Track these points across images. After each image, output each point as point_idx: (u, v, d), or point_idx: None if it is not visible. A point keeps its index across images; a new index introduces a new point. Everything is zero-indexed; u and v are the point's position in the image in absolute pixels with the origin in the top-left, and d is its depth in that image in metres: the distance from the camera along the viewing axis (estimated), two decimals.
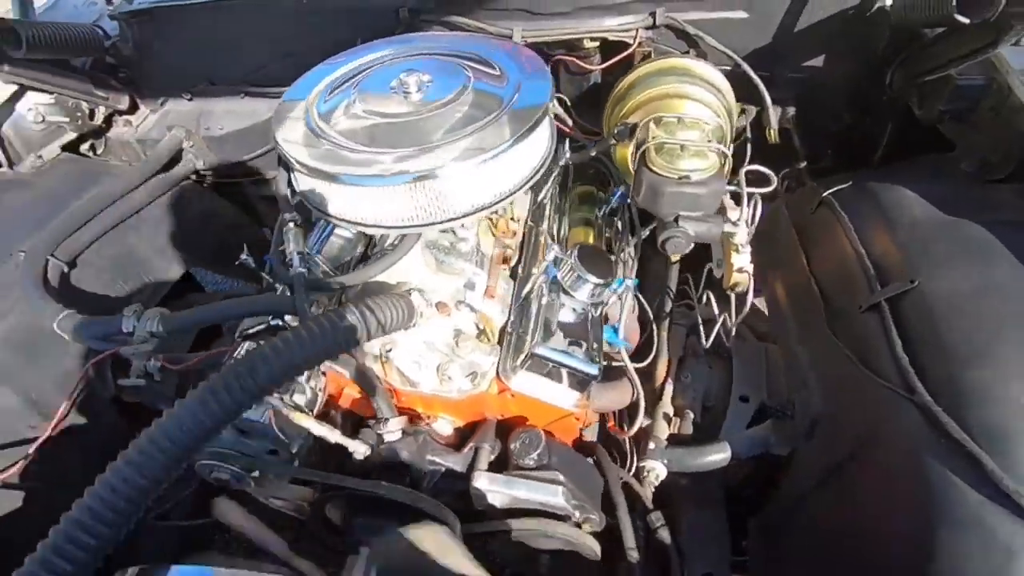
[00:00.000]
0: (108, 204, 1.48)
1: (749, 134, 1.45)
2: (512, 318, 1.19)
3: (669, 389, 1.34)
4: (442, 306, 1.13)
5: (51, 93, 1.56)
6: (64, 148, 1.67)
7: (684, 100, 1.31)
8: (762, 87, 1.40)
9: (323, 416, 1.16)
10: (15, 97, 1.55)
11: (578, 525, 1.18)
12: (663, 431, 1.29)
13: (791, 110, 1.54)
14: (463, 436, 1.25)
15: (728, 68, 1.42)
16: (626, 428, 1.25)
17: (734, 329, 1.30)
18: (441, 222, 1.06)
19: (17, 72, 1.45)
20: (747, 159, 1.30)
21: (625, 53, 1.48)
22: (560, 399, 1.16)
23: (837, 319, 1.11)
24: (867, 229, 1.15)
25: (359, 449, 1.09)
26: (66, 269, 1.33)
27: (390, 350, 1.16)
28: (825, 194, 1.29)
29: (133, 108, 1.80)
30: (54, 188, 1.50)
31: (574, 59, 1.53)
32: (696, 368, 1.40)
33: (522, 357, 1.12)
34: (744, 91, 1.42)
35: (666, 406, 1.33)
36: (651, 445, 1.24)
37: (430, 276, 1.17)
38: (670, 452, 1.21)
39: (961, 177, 1.21)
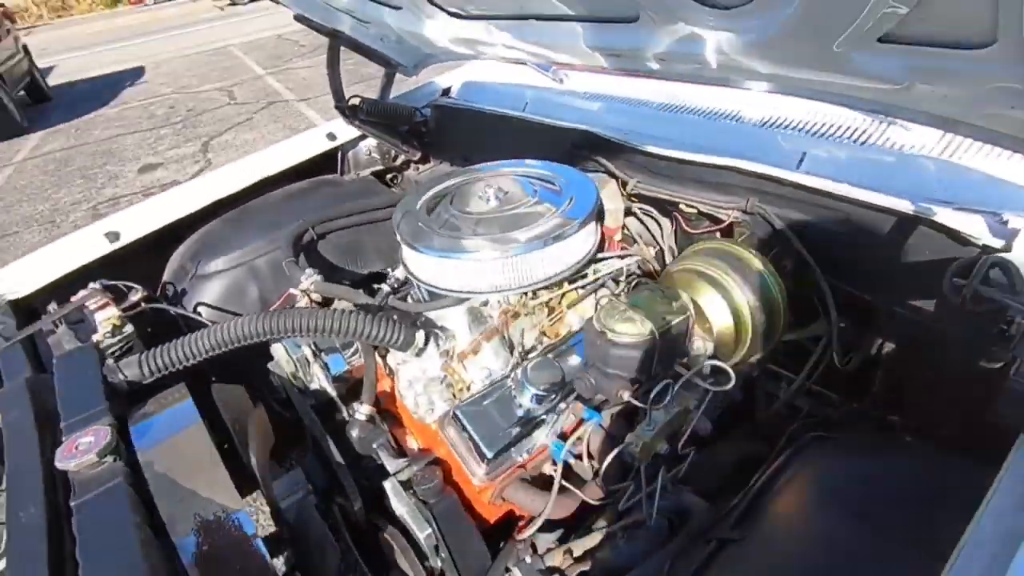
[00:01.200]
0: (365, 209, 2.31)
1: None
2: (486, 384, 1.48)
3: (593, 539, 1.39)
4: (464, 354, 1.50)
5: (378, 139, 2.53)
6: (374, 175, 2.64)
7: (711, 289, 1.37)
8: (830, 302, 1.31)
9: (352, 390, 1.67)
10: (361, 138, 2.56)
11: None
12: (555, 559, 1.36)
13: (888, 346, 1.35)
14: (416, 457, 1.58)
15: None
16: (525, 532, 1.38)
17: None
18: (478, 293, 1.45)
19: (362, 125, 2.43)
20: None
21: (719, 227, 1.56)
22: (468, 463, 1.39)
23: None
24: None
25: (340, 413, 1.56)
26: (315, 239, 2.18)
27: (399, 363, 1.60)
28: None
29: (424, 160, 2.69)
30: (348, 191, 2.44)
31: (682, 218, 1.68)
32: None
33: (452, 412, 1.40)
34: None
35: (578, 546, 1.39)
36: (527, 559, 1.34)
37: (463, 331, 1.56)
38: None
39: None
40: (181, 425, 1.19)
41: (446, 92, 2.70)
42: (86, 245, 2.00)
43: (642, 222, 1.92)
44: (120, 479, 1.06)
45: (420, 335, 1.53)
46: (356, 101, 2.36)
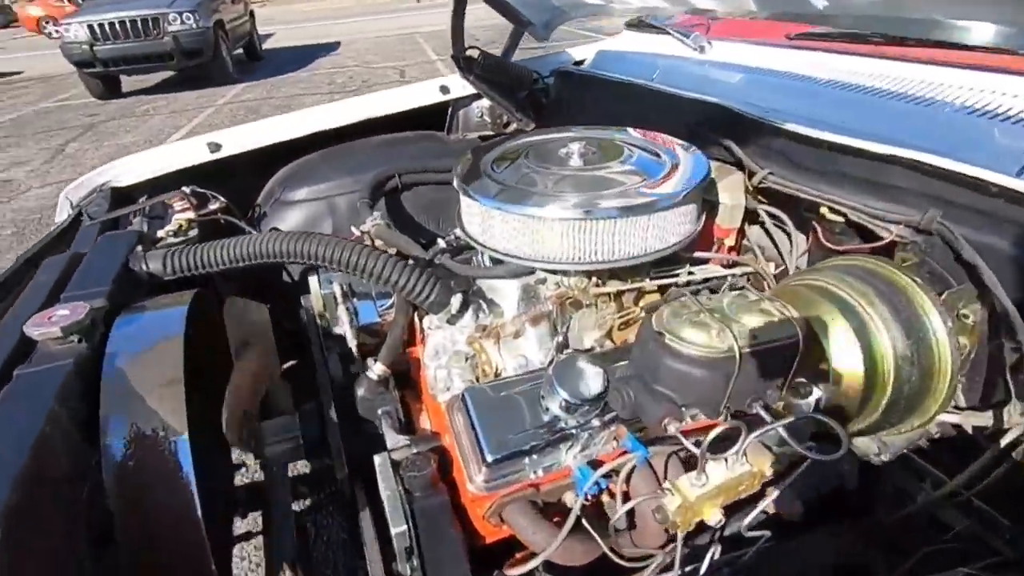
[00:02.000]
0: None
1: None
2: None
3: None
4: (496, 328, 1.26)
5: (491, 101, 2.34)
6: (481, 139, 2.47)
7: (841, 318, 0.96)
8: None
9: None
10: (475, 97, 2.40)
11: None
12: None
13: None
14: (421, 438, 1.34)
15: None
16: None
17: None
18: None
19: (478, 82, 2.26)
20: None
21: (873, 244, 1.14)
22: (467, 463, 1.12)
23: None
24: None
25: (355, 367, 1.38)
26: (400, 188, 2.05)
27: (432, 327, 1.38)
28: None
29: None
30: (448, 149, 2.28)
31: (823, 228, 1.27)
32: None
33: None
34: None
35: None
36: None
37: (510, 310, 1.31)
38: None
39: None
40: (163, 330, 1.07)
41: (578, 64, 2.45)
42: (189, 151, 2.04)
43: (768, 233, 1.52)
44: (71, 362, 0.95)
45: (456, 299, 1.29)
46: (475, 53, 2.20)
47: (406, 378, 1.51)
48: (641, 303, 1.36)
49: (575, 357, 1.07)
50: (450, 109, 2.39)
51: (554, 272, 1.28)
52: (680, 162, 1.27)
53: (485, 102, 2.39)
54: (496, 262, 1.43)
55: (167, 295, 1.19)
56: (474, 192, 1.21)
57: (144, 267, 1.28)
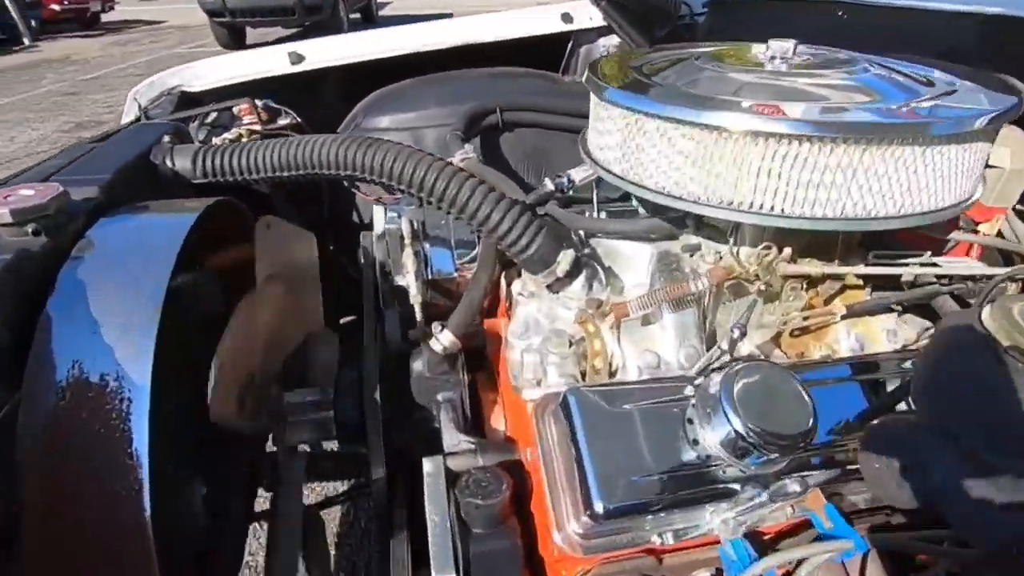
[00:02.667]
0: (572, 114, 1.73)
1: None
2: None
3: None
4: (618, 306, 0.86)
5: (621, 38, 1.90)
6: None
7: None
8: None
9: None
10: (602, 31, 1.97)
11: None
12: None
13: None
14: (491, 444, 0.97)
15: None
16: None
17: None
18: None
19: (610, 11, 1.83)
20: None
21: None
22: (558, 503, 0.73)
23: None
24: None
25: (416, 330, 1.02)
26: (500, 126, 1.68)
27: (523, 294, 0.99)
28: None
29: None
30: (562, 90, 1.88)
31: None
32: None
33: (559, 399, 0.75)
34: None
35: None
36: None
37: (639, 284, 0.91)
38: None
39: None
40: (155, 240, 0.75)
41: None
42: (268, 60, 1.77)
43: None
44: (9, 258, 0.64)
45: (567, 256, 0.90)
46: None
47: (479, 358, 1.14)
48: (840, 301, 0.90)
49: (769, 368, 0.64)
50: (570, 43, 1.98)
51: (736, 227, 0.84)
52: (955, 86, 0.79)
53: (614, 39, 1.95)
54: (620, 215, 1.02)
55: (172, 201, 0.88)
56: (618, 95, 0.79)
57: (169, 163, 0.99)
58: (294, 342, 1.02)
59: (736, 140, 0.68)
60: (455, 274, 1.11)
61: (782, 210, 0.69)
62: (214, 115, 1.59)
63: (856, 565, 0.75)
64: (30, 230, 0.69)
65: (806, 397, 0.64)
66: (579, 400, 0.71)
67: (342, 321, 1.71)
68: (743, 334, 0.75)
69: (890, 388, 0.78)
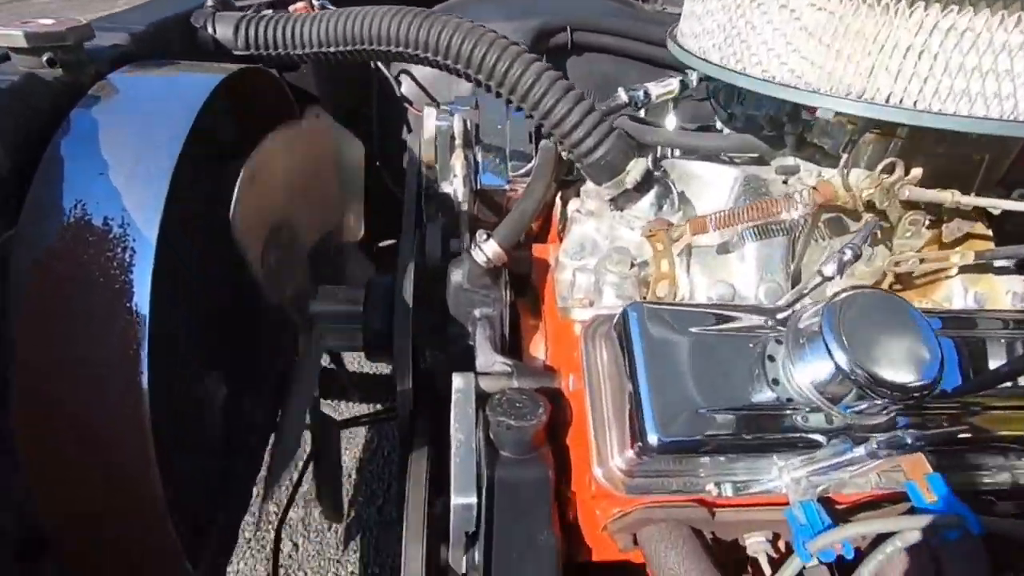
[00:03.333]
0: (651, 41, 1.56)
1: None
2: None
3: None
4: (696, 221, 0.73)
5: None
6: None
7: None
8: None
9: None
10: None
11: None
12: None
13: None
14: (529, 369, 0.87)
15: None
16: None
17: None
18: None
19: None
20: None
21: None
22: (601, 432, 0.64)
23: None
24: None
25: (461, 240, 0.93)
26: (568, 46, 1.53)
27: (580, 212, 0.88)
28: None
29: None
30: (642, 16, 1.70)
31: None
32: None
33: (614, 318, 0.65)
34: None
35: None
36: None
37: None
38: None
39: None
40: (179, 91, 0.67)
41: None
42: None
43: None
44: (16, 80, 0.57)
45: (638, 164, 0.78)
46: None
47: (522, 285, 1.04)
48: (958, 250, 0.75)
49: (890, 300, 0.52)
50: None
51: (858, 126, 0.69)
52: None
53: None
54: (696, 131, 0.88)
55: (204, 64, 0.80)
56: None
57: (210, 29, 0.90)
58: (325, 234, 0.94)
59: (885, 8, 0.53)
60: (506, 186, 1.01)
61: (929, 106, 0.55)
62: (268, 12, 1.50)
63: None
64: (45, 59, 0.62)
65: (933, 341, 0.51)
66: (641, 316, 0.60)
67: (380, 245, 1.64)
68: (856, 256, 0.61)
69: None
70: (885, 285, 0.79)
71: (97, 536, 0.57)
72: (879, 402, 0.51)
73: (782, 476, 0.63)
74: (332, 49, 0.88)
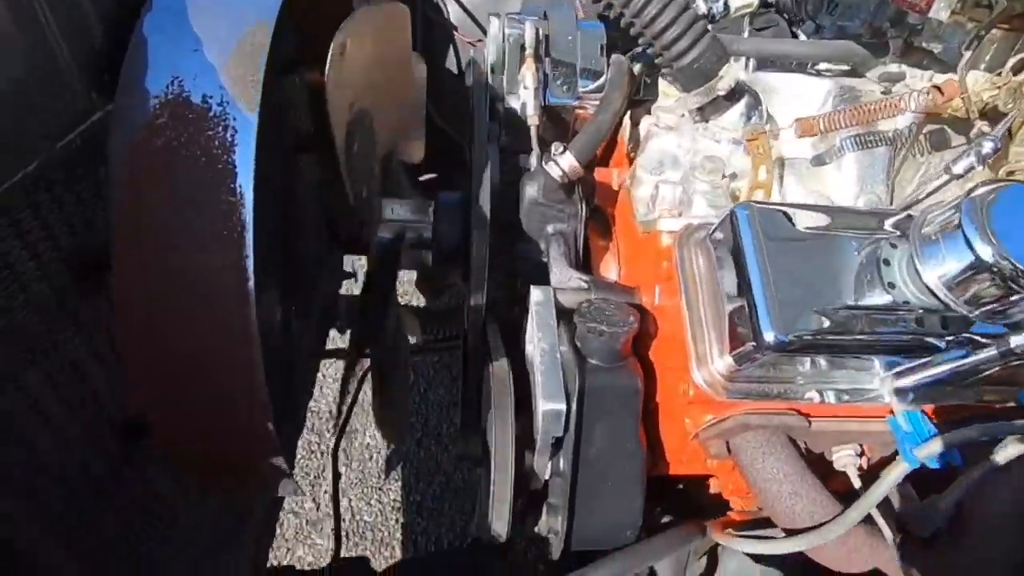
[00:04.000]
0: None
1: None
2: None
3: None
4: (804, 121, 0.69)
5: None
6: None
7: None
8: None
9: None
10: None
11: None
12: None
13: None
14: (606, 284, 0.85)
15: None
16: None
17: None
18: None
19: None
20: None
21: None
22: (700, 334, 0.62)
23: None
24: None
25: (529, 155, 0.89)
26: None
27: (657, 126, 0.84)
28: None
29: None
30: None
31: None
32: None
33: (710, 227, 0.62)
34: None
35: None
36: None
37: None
38: None
39: None
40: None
41: None
42: None
43: None
44: None
45: (733, 70, 0.74)
46: None
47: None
48: None
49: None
50: None
51: None
52: None
53: None
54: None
55: None
56: None
57: None
58: (393, 145, 0.91)
59: None
60: (575, 102, 0.97)
61: None
62: None
63: None
64: None
65: None
66: (752, 215, 0.58)
67: (421, 178, 1.60)
68: (996, 149, 0.58)
69: None
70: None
71: (196, 421, 0.57)
72: (1017, 297, 0.49)
73: (884, 385, 0.61)
74: None
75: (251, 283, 0.51)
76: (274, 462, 0.62)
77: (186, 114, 0.51)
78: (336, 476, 1.15)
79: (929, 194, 0.63)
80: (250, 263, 0.51)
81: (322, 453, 1.70)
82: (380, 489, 1.62)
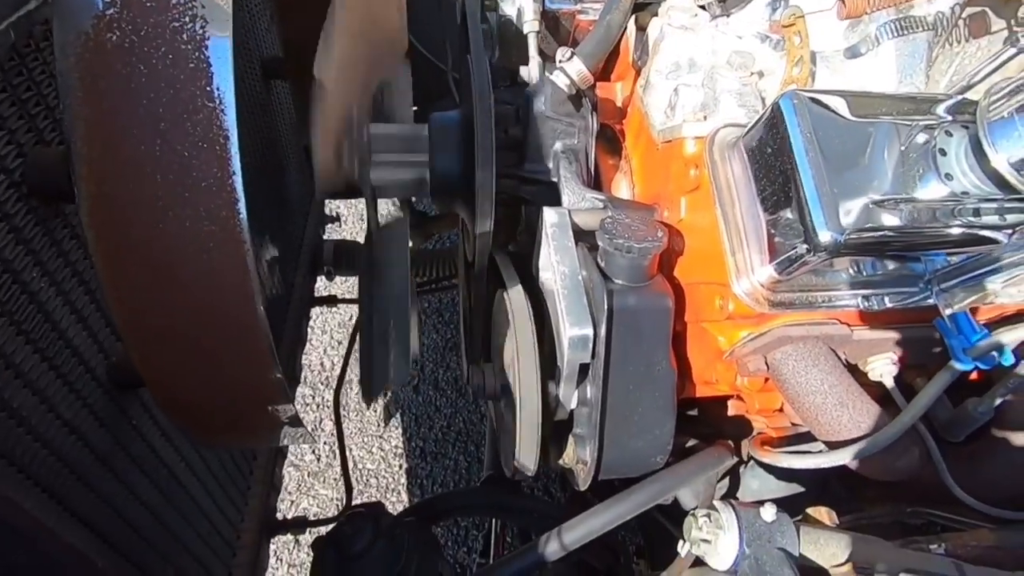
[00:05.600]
0: None
1: None
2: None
3: None
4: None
5: None
6: None
7: None
8: None
9: None
10: None
11: None
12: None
13: None
14: (623, 202, 0.80)
15: None
16: None
17: None
18: None
19: None
20: None
21: None
22: (739, 241, 0.57)
23: None
24: None
25: (529, 65, 0.81)
26: None
27: (669, 26, 0.76)
28: None
29: None
30: None
31: None
32: None
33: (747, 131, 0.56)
34: None
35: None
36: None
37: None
38: None
39: None
40: None
41: None
42: None
43: None
44: None
45: None
46: None
47: None
48: None
49: None
50: None
51: None
52: None
53: None
54: None
55: None
56: None
57: None
58: (385, 75, 0.82)
59: None
60: (576, 7, 0.88)
61: None
62: None
63: None
64: None
65: None
66: (801, 105, 0.52)
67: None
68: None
69: None
70: None
71: (200, 373, 0.51)
72: None
73: (932, 285, 0.58)
74: None
75: (242, 205, 0.44)
76: (284, 408, 0.57)
77: (143, 2, 0.42)
78: (339, 424, 1.11)
79: (988, 75, 0.57)
80: (238, 181, 0.44)
81: (317, 406, 1.66)
82: (381, 437, 1.60)
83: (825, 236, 0.49)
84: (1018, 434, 0.65)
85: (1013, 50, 0.55)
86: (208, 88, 0.43)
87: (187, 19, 0.43)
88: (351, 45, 0.67)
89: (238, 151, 0.43)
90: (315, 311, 1.62)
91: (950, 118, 0.54)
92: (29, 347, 0.50)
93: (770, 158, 0.54)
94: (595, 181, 0.86)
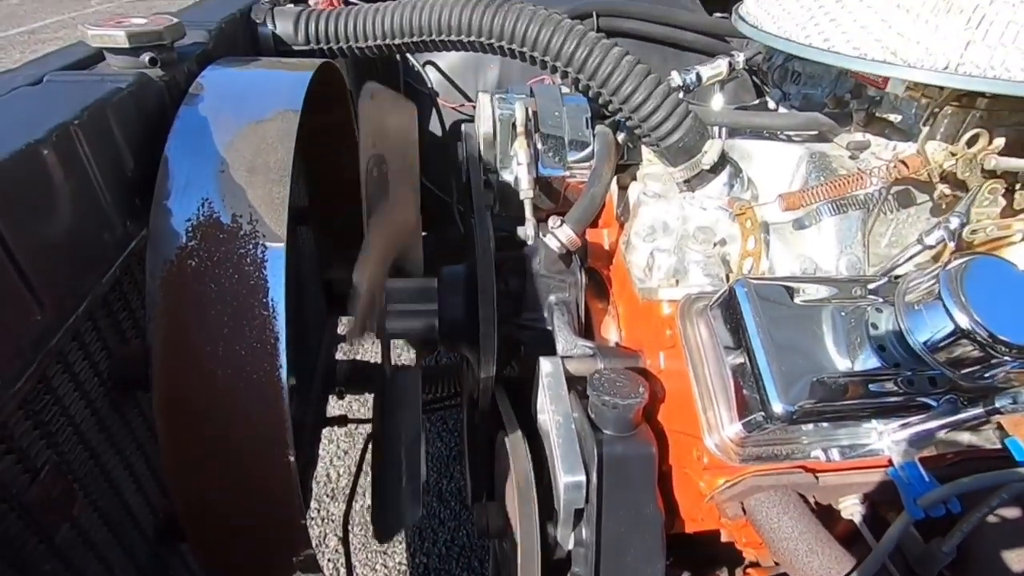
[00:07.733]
0: (679, 26, 1.55)
1: None
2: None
3: None
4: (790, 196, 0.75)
5: None
6: None
7: None
8: None
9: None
10: None
11: None
12: None
13: None
14: (610, 350, 0.89)
15: None
16: None
17: None
18: None
19: None
20: None
21: None
22: (709, 404, 0.66)
23: None
24: None
25: (527, 229, 0.94)
26: (596, 31, 1.53)
27: (646, 195, 0.90)
28: None
29: None
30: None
31: None
32: None
33: (715, 298, 0.67)
34: None
35: None
36: None
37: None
38: None
39: None
40: (278, 93, 0.66)
41: None
42: None
43: None
44: (132, 81, 0.57)
45: (716, 146, 0.80)
46: None
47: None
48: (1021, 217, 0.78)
49: (1004, 265, 0.54)
50: None
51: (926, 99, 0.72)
52: None
53: None
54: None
55: (285, 60, 0.80)
56: None
57: (270, 24, 0.90)
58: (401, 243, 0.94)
59: None
60: (565, 173, 1.02)
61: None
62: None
63: None
64: (147, 59, 0.62)
65: None
66: (750, 291, 0.62)
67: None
68: (963, 224, 0.64)
69: None
70: (946, 254, 0.83)
71: (236, 522, 0.57)
72: (996, 361, 0.54)
73: (883, 439, 0.66)
74: (397, 41, 0.88)
75: (285, 392, 0.53)
76: (307, 553, 0.63)
77: (218, 235, 0.54)
78: (347, 545, 1.14)
79: (905, 261, 0.68)
80: (283, 373, 0.53)
81: (322, 519, 1.67)
82: (385, 553, 1.60)
83: (778, 408, 0.57)
84: (983, 570, 0.69)
85: (919, 247, 0.67)
86: (264, 299, 0.53)
87: (251, 246, 0.54)
88: (381, 262, 0.80)
89: (284, 351, 0.53)
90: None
91: (880, 299, 0.64)
92: (89, 506, 0.58)
93: (731, 332, 0.64)
94: (585, 326, 0.96)
